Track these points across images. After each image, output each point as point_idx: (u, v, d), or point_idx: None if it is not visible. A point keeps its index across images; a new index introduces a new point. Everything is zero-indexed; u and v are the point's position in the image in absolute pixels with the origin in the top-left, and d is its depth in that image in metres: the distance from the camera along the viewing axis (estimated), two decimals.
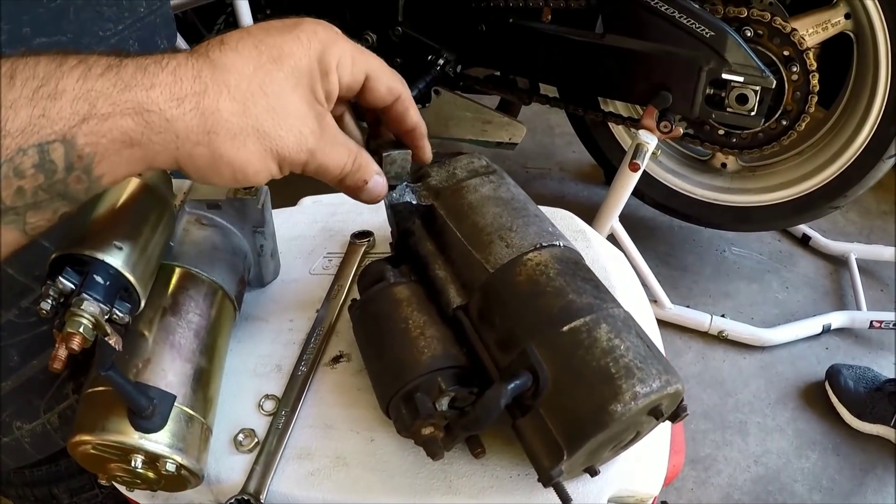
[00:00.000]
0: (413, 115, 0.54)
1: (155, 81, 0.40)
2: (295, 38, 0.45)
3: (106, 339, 0.51)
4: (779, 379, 1.77)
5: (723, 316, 1.88)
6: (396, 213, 0.62)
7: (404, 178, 0.59)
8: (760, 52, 1.55)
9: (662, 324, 1.82)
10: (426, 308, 0.58)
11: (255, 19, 1.68)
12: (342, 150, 0.49)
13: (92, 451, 0.53)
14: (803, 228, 2.13)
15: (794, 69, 1.57)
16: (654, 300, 1.83)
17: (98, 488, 1.01)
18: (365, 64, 0.49)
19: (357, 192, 0.52)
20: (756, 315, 1.92)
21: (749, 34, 1.56)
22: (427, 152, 0.58)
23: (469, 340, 0.55)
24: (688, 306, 1.90)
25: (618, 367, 0.47)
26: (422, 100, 1.79)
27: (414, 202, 0.62)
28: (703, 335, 1.85)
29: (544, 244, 0.56)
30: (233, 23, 1.76)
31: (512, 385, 0.47)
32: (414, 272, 0.62)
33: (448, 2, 1.69)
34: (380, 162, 0.55)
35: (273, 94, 0.43)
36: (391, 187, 0.57)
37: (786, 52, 1.56)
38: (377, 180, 0.53)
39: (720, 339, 1.84)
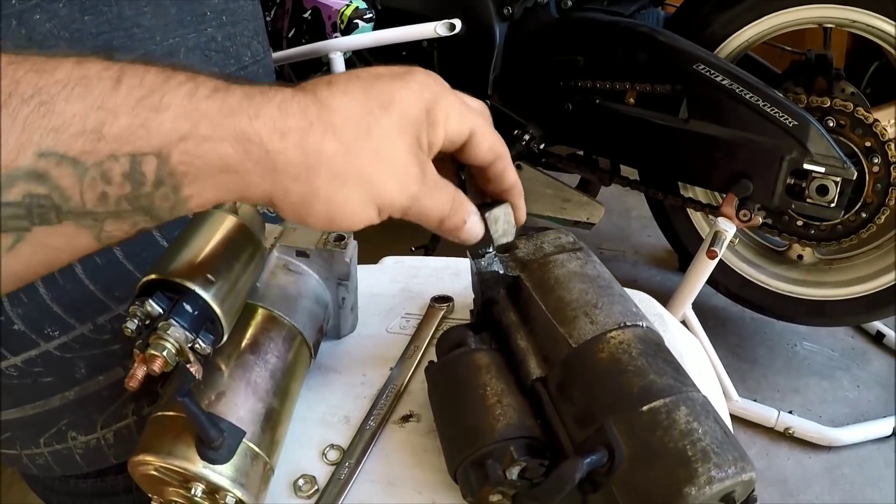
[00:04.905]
0: (511, 175, 0.54)
1: (260, 112, 0.39)
2: (406, 85, 0.44)
3: (187, 366, 0.52)
4: (844, 481, 1.67)
5: (790, 412, 1.79)
6: (483, 281, 0.63)
7: (511, 234, 0.59)
8: (842, 143, 1.52)
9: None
10: (504, 377, 0.58)
11: None
12: (443, 195, 0.49)
13: (152, 472, 0.54)
14: (877, 325, 2.03)
15: (876, 161, 1.52)
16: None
17: None
18: (471, 121, 0.49)
19: (456, 232, 0.52)
20: (825, 413, 1.83)
21: (831, 124, 1.53)
22: (523, 212, 0.58)
23: (545, 413, 0.55)
24: (755, 400, 1.83)
25: (695, 451, 0.47)
26: None
27: (501, 272, 0.63)
28: (769, 431, 1.77)
29: (628, 323, 0.55)
30: None
31: (588, 460, 0.47)
32: (494, 340, 0.63)
33: (537, 80, 1.72)
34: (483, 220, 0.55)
35: (378, 140, 0.43)
36: (498, 248, 0.59)
37: (867, 143, 1.52)
38: (475, 220, 0.53)
39: (786, 435, 1.75)
